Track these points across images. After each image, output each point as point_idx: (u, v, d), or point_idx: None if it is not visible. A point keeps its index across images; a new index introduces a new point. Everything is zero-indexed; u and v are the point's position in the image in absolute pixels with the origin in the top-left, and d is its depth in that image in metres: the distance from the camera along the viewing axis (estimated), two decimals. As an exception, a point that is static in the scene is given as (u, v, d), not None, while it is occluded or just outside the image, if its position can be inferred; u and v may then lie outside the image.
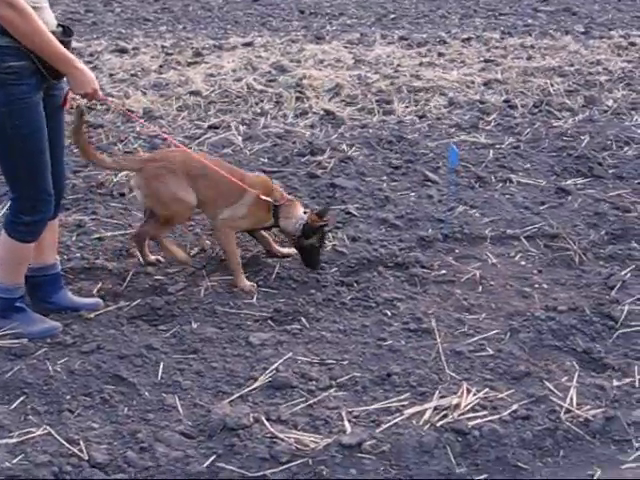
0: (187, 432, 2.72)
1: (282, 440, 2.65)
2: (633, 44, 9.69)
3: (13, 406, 2.86)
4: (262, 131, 6.05)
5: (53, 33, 2.91)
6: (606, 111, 6.82)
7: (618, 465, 2.62)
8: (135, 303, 3.59)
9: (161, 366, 3.12)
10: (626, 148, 5.84)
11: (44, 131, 3.04)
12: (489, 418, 2.77)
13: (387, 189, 5.01)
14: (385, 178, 5.22)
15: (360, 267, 3.99)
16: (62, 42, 2.94)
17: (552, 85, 7.59)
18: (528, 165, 5.49)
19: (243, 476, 2.52)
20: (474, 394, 2.91)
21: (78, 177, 5.05)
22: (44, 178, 3.10)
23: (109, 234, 4.28)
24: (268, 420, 2.76)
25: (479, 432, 2.70)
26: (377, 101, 6.97)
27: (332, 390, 2.98)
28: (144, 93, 7.08)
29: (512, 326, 3.44)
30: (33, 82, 2.93)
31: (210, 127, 6.16)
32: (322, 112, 6.61)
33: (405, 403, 2.88)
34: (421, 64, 8.53)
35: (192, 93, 7.07)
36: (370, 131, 6.13)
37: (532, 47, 9.58)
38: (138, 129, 5.98)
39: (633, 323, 3.47)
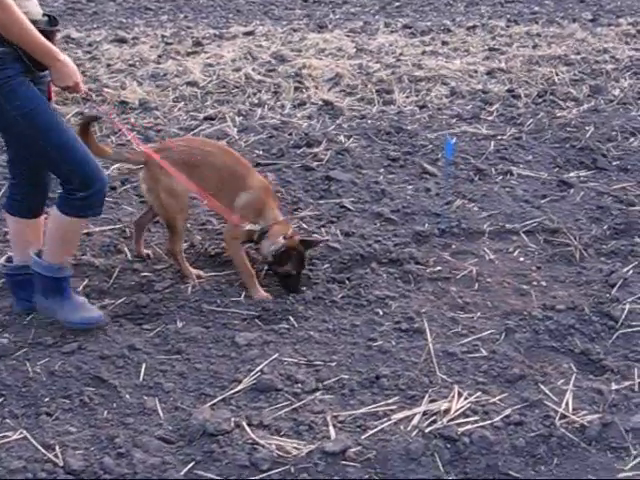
0: (166, 437, 2.63)
1: (263, 447, 2.54)
2: (642, 32, 9.51)
3: (-11, 409, 2.77)
4: (258, 122, 5.92)
5: (37, 23, 2.82)
6: (612, 101, 6.65)
7: (615, 474, 2.50)
8: (120, 301, 3.49)
9: (143, 367, 3.02)
10: (632, 139, 5.68)
11: (48, 105, 2.95)
12: (480, 424, 2.66)
13: (384, 182, 4.87)
14: (382, 170, 5.08)
15: (353, 263, 3.87)
16: (45, 32, 2.84)
17: (557, 74, 7.41)
18: (530, 157, 5.34)
19: (221, 484, 2.43)
20: (465, 398, 2.80)
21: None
22: (76, 150, 2.99)
23: (97, 229, 4.18)
24: (250, 425, 2.65)
25: (469, 439, 2.58)
26: (377, 91, 6.82)
27: (318, 393, 2.87)
28: (140, 84, 6.97)
29: (508, 326, 3.31)
30: (17, 67, 2.84)
31: (206, 118, 6.04)
32: (321, 102, 6.47)
33: (393, 407, 2.77)
34: (424, 53, 8.38)
35: (189, 84, 6.95)
36: (369, 122, 5.99)
37: (538, 35, 9.40)
38: (132, 121, 5.88)
39: (634, 323, 3.33)
